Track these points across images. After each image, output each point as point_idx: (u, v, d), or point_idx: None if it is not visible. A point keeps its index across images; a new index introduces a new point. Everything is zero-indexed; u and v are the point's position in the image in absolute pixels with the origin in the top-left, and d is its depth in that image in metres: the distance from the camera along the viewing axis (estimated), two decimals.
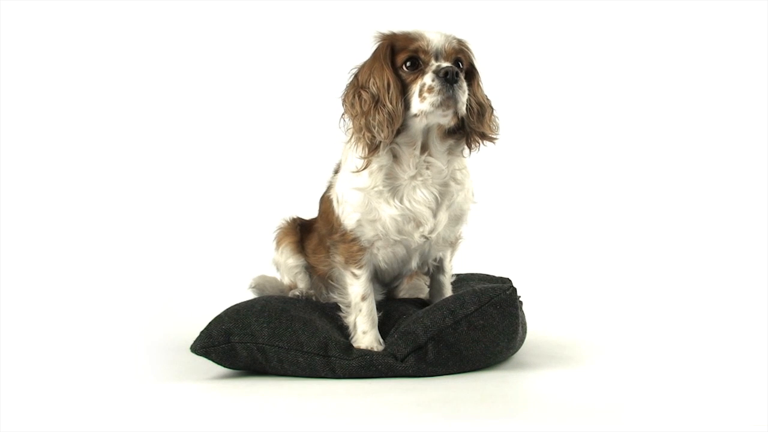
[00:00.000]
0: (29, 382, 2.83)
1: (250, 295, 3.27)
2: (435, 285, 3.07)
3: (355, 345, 2.79)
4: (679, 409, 2.40)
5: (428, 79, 2.62)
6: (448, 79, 2.60)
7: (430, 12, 4.75)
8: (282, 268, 3.29)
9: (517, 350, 2.96)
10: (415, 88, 2.64)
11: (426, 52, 2.65)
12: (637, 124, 4.85)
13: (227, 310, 2.88)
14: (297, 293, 3.21)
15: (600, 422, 2.27)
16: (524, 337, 2.99)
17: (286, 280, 3.31)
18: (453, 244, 3.02)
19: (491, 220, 3.09)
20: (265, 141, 4.78)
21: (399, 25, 2.77)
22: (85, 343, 3.38)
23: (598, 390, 2.59)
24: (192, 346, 2.80)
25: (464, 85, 2.63)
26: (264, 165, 4.74)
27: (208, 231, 4.69)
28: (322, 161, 3.12)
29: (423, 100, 2.62)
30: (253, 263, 3.45)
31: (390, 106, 2.64)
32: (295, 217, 3.33)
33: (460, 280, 3.20)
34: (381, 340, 2.81)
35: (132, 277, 4.39)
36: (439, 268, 3.04)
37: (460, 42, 2.72)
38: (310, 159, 3.50)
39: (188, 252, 4.59)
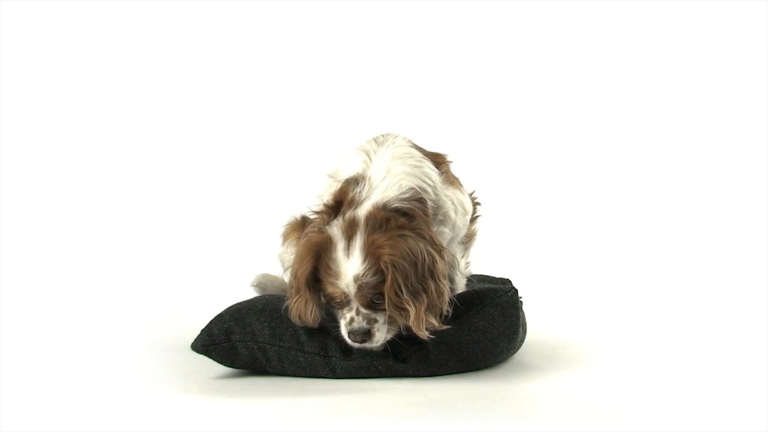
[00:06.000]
0: (29, 382, 2.83)
1: (251, 294, 3.26)
2: None
3: None
4: (679, 410, 2.40)
5: (344, 332, 2.62)
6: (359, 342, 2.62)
7: (430, 12, 4.76)
8: (286, 264, 3.28)
9: (517, 351, 2.96)
10: (342, 319, 2.64)
11: (340, 299, 2.62)
12: (636, 124, 4.85)
13: (228, 308, 2.88)
14: None
15: (600, 422, 2.27)
16: (524, 338, 3.00)
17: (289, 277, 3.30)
18: (464, 243, 3.00)
19: (491, 221, 3.09)
20: (269, 138, 4.78)
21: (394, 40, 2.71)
22: (86, 342, 3.38)
23: (598, 390, 2.60)
24: (192, 344, 2.80)
25: (378, 330, 2.60)
26: (267, 162, 4.74)
27: (210, 229, 4.68)
28: (325, 160, 3.11)
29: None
30: (254, 262, 3.45)
31: (309, 321, 2.69)
32: (304, 214, 3.31)
33: None
34: None
35: (132, 275, 4.39)
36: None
37: (366, 285, 2.57)
38: (314, 158, 3.49)
39: (189, 250, 4.58)
